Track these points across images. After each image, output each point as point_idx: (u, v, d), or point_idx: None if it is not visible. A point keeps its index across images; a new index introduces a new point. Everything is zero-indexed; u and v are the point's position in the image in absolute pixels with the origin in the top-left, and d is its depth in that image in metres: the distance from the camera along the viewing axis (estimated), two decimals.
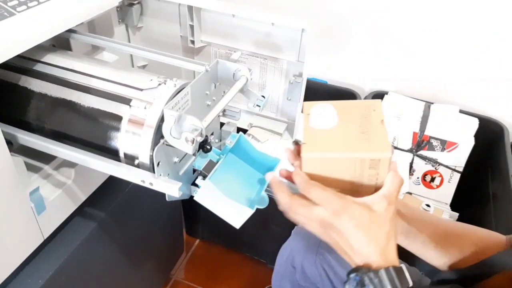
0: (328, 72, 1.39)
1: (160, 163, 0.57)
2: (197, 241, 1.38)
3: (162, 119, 0.61)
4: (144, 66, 0.97)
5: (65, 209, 0.80)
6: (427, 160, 1.19)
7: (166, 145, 0.56)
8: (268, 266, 1.29)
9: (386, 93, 1.33)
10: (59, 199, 0.77)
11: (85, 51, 0.88)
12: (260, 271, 1.29)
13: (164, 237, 1.21)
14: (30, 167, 0.74)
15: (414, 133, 1.19)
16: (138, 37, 0.94)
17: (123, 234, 0.97)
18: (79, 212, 0.85)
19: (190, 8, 0.85)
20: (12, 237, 0.70)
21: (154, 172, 0.60)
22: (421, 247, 0.59)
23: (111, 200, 0.90)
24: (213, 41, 0.90)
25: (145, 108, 0.61)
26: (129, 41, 0.94)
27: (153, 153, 0.55)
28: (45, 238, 0.77)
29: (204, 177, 0.61)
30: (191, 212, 1.28)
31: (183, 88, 0.64)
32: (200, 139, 0.54)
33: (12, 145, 0.66)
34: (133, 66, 0.97)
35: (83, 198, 0.83)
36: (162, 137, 0.61)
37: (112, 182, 0.89)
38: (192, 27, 0.88)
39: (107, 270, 0.96)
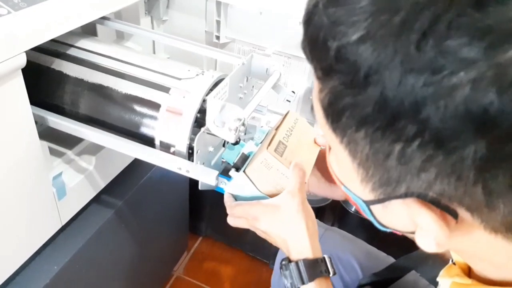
0: None
1: (198, 151, 0.58)
2: (200, 238, 1.38)
3: (200, 109, 0.62)
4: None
5: (84, 196, 0.80)
6: None
7: (207, 133, 0.57)
8: (270, 267, 1.29)
9: None
10: (80, 186, 0.76)
11: (111, 40, 0.88)
12: (263, 271, 1.29)
13: (170, 233, 1.20)
14: (52, 152, 0.74)
15: None
16: (162, 30, 0.94)
17: (135, 225, 0.96)
18: (96, 199, 0.84)
19: (218, 3, 0.86)
20: (32, 221, 0.69)
21: (190, 160, 0.61)
22: (317, 183, 0.63)
23: (127, 189, 0.90)
24: (237, 38, 0.91)
25: (183, 97, 0.61)
26: None
27: (194, 140, 0.55)
28: (63, 224, 0.76)
29: (237, 169, 0.61)
30: (195, 209, 1.27)
31: (220, 80, 0.65)
32: (242, 129, 0.55)
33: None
34: None
35: (102, 185, 0.82)
36: (199, 126, 0.61)
37: (129, 172, 0.89)
38: (218, 22, 0.88)
39: (116, 262, 0.95)
